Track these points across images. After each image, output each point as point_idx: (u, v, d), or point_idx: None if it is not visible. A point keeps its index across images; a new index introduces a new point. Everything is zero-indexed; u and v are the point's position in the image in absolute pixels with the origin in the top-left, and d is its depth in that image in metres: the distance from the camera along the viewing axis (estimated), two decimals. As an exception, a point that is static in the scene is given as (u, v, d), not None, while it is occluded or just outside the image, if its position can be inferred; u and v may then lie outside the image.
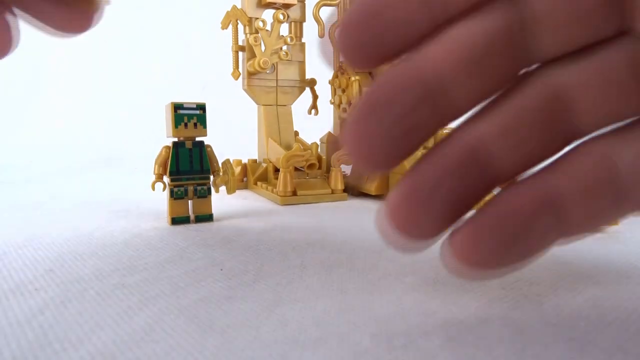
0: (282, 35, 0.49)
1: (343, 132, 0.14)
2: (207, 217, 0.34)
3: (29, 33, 0.17)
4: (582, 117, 0.15)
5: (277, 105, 0.51)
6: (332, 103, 0.51)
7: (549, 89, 0.14)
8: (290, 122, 0.52)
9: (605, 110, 0.14)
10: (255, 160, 0.54)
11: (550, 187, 0.14)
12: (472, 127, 0.14)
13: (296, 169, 0.46)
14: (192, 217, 0.34)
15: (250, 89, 0.50)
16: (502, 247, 0.14)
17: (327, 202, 0.44)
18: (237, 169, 0.53)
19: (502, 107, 0.14)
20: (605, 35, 0.14)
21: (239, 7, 0.49)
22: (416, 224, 0.14)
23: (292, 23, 0.51)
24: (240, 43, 0.51)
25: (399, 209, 0.14)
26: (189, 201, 0.34)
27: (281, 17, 0.48)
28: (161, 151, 0.33)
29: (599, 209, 0.15)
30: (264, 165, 0.51)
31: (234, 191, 0.36)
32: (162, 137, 0.35)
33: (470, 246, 0.14)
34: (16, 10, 0.16)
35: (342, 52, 0.13)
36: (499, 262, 0.14)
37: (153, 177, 0.33)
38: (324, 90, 0.53)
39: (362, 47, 0.13)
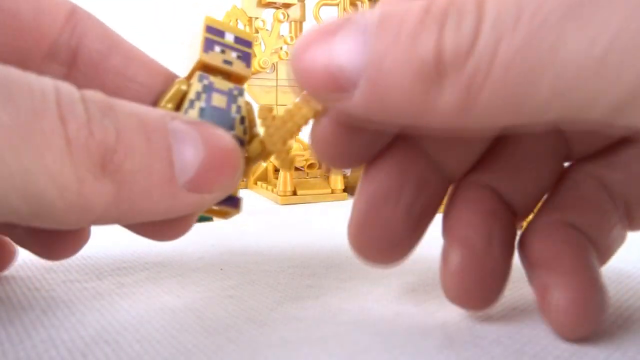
0: (282, 35, 0.49)
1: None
2: (207, 217, 0.34)
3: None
4: (575, 145, 0.16)
5: (277, 105, 0.51)
6: None
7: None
8: (290, 122, 0.52)
9: (597, 137, 0.16)
10: (255, 160, 0.54)
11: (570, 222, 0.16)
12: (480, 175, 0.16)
13: (296, 168, 0.46)
14: (192, 217, 0.34)
15: (249, 89, 0.50)
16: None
17: (327, 202, 0.44)
18: (237, 169, 0.53)
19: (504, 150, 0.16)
20: None
21: (239, 7, 0.49)
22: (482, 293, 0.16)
23: (292, 23, 0.51)
24: (240, 43, 0.51)
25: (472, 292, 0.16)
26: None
27: (281, 16, 0.48)
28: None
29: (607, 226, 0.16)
30: (264, 165, 0.51)
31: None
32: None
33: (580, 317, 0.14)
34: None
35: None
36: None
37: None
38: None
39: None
